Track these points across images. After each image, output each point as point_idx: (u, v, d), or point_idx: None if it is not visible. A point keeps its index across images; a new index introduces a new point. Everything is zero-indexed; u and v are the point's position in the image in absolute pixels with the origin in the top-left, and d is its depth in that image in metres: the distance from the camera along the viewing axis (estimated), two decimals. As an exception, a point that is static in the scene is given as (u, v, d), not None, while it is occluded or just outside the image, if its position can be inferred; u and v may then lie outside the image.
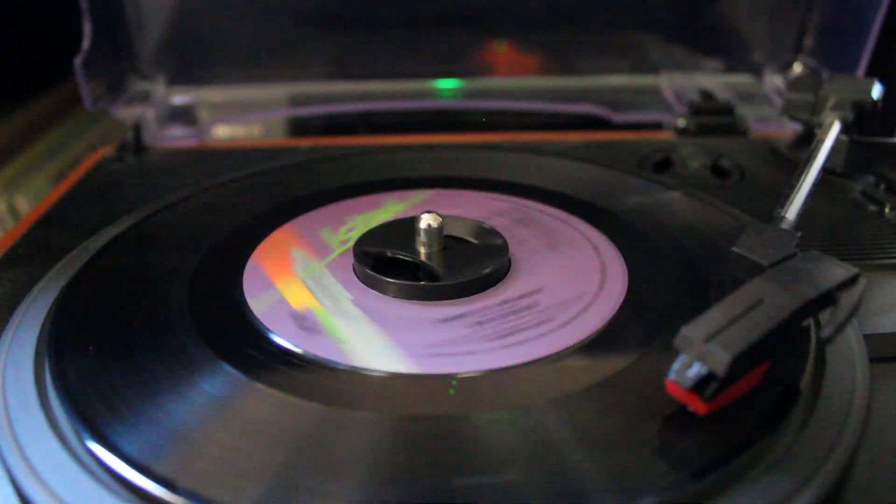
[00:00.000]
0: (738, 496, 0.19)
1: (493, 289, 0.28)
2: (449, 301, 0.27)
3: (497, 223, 0.32)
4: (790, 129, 0.48)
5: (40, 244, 0.34)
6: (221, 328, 0.26)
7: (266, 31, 0.53)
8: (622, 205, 0.35)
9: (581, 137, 0.47)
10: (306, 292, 0.28)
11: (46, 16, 0.57)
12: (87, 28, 0.46)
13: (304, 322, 0.26)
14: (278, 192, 0.37)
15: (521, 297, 0.27)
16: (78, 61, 0.45)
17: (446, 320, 0.26)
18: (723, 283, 0.28)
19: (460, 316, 0.26)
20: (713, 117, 0.49)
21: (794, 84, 0.42)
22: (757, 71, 0.54)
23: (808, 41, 0.53)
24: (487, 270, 0.28)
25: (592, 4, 0.53)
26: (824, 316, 0.22)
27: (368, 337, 0.25)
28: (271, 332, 0.25)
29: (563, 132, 0.48)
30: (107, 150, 0.45)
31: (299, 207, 0.35)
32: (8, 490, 0.21)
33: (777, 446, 0.21)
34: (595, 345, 0.25)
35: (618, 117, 0.51)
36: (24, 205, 0.50)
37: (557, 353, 0.24)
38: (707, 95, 0.52)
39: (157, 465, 0.20)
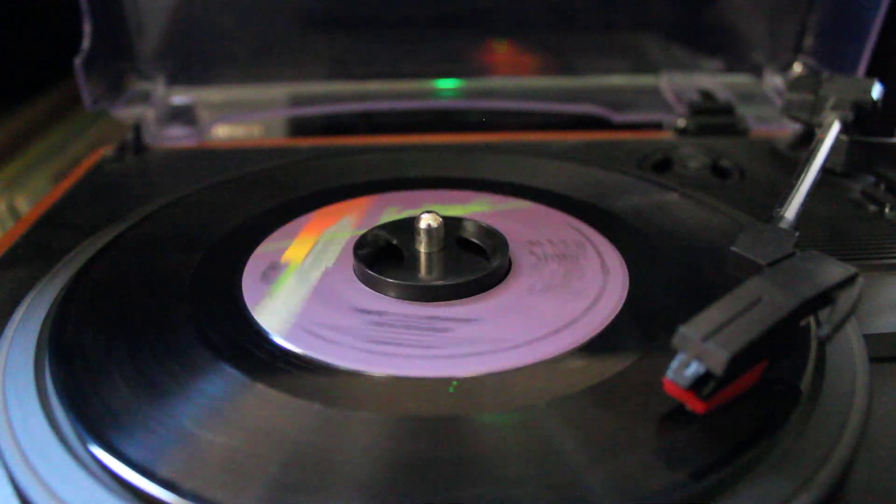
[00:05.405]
0: (738, 496, 0.19)
1: (493, 289, 0.28)
2: (447, 301, 0.27)
3: (497, 223, 0.32)
4: (790, 129, 0.48)
5: (40, 244, 0.34)
6: (222, 329, 0.26)
7: (266, 31, 0.53)
8: (622, 206, 0.35)
9: (581, 137, 0.47)
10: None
11: (46, 16, 0.57)
12: (87, 28, 0.46)
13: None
14: (278, 191, 0.37)
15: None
16: (78, 61, 0.45)
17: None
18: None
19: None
20: (713, 117, 0.49)
21: (794, 84, 0.42)
22: (757, 71, 0.54)
23: (808, 41, 0.52)
24: (488, 271, 0.28)
25: (592, 4, 0.53)
26: (824, 315, 0.22)
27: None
28: (271, 332, 0.25)
29: (563, 132, 0.48)
30: (107, 150, 0.45)
31: (299, 207, 0.35)
32: (8, 490, 0.21)
33: (777, 446, 0.21)
34: (595, 346, 0.25)
35: (618, 117, 0.51)
36: (24, 205, 0.50)
37: (558, 355, 0.24)
38: (707, 95, 0.52)
39: (157, 466, 0.20)
